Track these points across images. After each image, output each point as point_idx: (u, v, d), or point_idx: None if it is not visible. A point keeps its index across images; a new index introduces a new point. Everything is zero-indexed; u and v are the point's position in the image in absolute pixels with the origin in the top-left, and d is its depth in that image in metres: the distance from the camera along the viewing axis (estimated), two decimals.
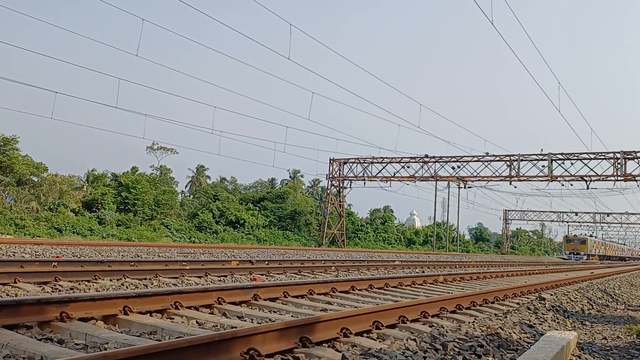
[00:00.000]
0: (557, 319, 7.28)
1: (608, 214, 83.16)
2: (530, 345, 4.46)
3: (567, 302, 9.22)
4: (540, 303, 8.42)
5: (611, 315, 8.65)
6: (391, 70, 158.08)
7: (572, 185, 43.68)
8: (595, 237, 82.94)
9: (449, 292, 9.57)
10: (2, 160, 35.57)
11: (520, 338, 5.12)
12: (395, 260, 22.54)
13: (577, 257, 69.85)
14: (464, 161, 44.38)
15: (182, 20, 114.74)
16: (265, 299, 6.80)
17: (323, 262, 17.11)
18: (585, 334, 6.39)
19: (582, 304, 9.46)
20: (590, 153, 39.48)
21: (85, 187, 47.24)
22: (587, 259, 68.51)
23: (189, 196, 64.04)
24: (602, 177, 39.89)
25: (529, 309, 7.58)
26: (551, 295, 9.98)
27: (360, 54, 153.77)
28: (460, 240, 79.18)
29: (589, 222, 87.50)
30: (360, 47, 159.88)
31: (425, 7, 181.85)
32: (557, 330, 5.91)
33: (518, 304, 8.64)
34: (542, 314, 7.30)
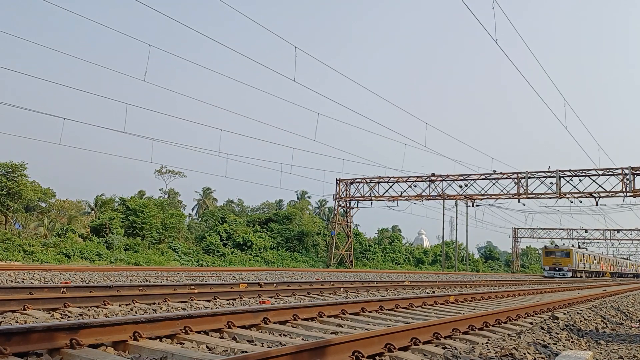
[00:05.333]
0: (572, 338, 7.17)
1: (618, 231, 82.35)
2: None
3: (581, 321, 9.08)
4: (553, 322, 8.29)
5: (626, 333, 8.50)
6: (396, 90, 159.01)
7: (581, 202, 43.43)
8: (585, 249, 69.12)
9: (460, 313, 9.46)
10: (10, 187, 35.81)
11: (535, 359, 5.04)
12: (404, 281, 22.35)
13: (559, 274, 57.29)
14: (471, 179, 44.27)
15: (188, 45, 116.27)
16: (275, 322, 6.74)
17: (332, 283, 16.99)
18: (601, 353, 6.27)
19: (596, 323, 9.31)
20: (599, 169, 39.28)
21: (93, 212, 47.43)
22: (571, 276, 56.34)
23: (197, 219, 64.13)
24: (611, 193, 39.63)
25: (542, 328, 7.47)
26: (564, 314, 9.84)
27: (365, 74, 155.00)
28: (469, 260, 78.56)
29: (599, 239, 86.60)
30: (365, 67, 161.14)
31: (428, 27, 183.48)
32: (572, 350, 5.81)
33: (531, 323, 8.52)
34: (556, 333, 7.18)
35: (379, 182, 47.77)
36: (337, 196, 50.01)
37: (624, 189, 38.87)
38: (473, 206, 48.86)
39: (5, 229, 36.40)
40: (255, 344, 5.41)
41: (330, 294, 13.12)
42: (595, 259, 68.67)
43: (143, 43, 28.26)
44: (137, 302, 8.49)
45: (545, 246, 63.44)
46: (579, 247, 68.14)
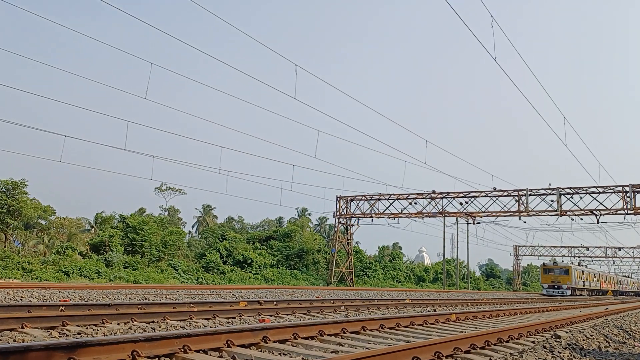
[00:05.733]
0: (574, 357, 7.10)
1: (620, 248, 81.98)
2: None
3: (583, 340, 9.00)
4: (555, 341, 8.23)
5: (629, 352, 8.42)
6: (396, 107, 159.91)
7: (582, 219, 43.32)
8: (585, 267, 67.40)
9: (462, 332, 9.38)
10: (10, 204, 35.79)
11: None
12: (405, 299, 22.21)
13: (558, 292, 55.27)
14: (471, 197, 44.23)
15: (189, 62, 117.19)
16: (274, 341, 6.68)
17: (332, 301, 16.88)
18: None
19: (599, 342, 9.22)
20: (599, 187, 39.26)
21: (93, 229, 47.35)
22: (570, 294, 54.56)
23: (197, 236, 64.00)
24: (612, 211, 39.55)
25: (544, 347, 7.40)
26: (566, 332, 9.76)
27: (365, 91, 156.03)
28: (470, 277, 78.13)
29: (600, 257, 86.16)
30: (365, 85, 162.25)
31: (429, 44, 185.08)
32: None
33: (533, 342, 8.45)
34: (559, 352, 7.12)
35: (379, 200, 47.73)
36: (338, 213, 49.93)
37: (624, 207, 38.82)
38: (474, 223, 48.77)
39: (5, 246, 36.30)
40: None
41: (330, 312, 13.03)
42: (595, 277, 67.01)
43: (144, 61, 28.43)
44: (135, 321, 8.43)
45: (543, 263, 61.45)
46: (579, 265, 66.54)
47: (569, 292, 55.16)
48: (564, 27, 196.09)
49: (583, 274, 61.60)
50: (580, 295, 56.96)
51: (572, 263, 64.88)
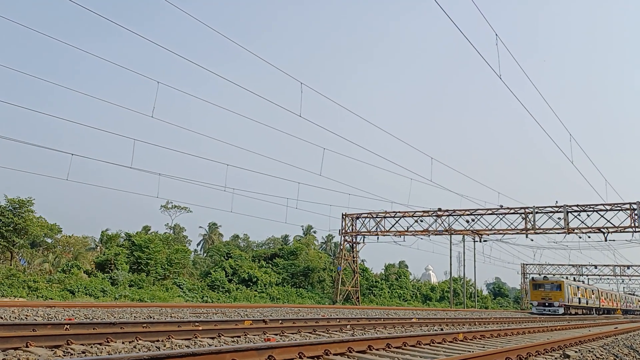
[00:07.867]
0: None
1: (628, 267, 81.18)
2: None
3: None
4: None
5: None
6: (402, 124, 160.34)
7: (589, 237, 42.96)
8: (582, 282, 62.20)
9: (469, 351, 9.27)
10: (17, 223, 35.89)
11: None
12: (412, 318, 22.00)
13: (549, 310, 49.79)
14: (478, 214, 44.03)
15: (195, 80, 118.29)
16: None
17: (338, 320, 16.75)
18: None
19: None
20: (606, 204, 39.00)
21: (98, 247, 47.36)
22: (563, 313, 49.33)
23: (202, 254, 63.87)
24: (619, 229, 39.24)
25: None
26: (576, 352, 9.62)
27: (371, 109, 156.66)
28: (478, 296, 77.39)
29: (609, 275, 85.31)
30: (371, 102, 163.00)
31: (435, 61, 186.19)
32: None
33: None
34: None
35: (385, 217, 47.58)
36: (343, 231, 49.78)
37: (632, 224, 38.51)
38: (480, 241, 48.44)
39: (11, 265, 36.33)
40: None
41: (336, 331, 12.92)
42: (593, 293, 61.60)
43: (151, 80, 28.67)
44: (140, 340, 8.39)
45: (532, 278, 55.55)
46: (574, 280, 62.56)
47: (561, 311, 49.99)
48: (574, 44, 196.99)
49: (578, 289, 56.35)
50: (575, 313, 52.89)
51: (567, 278, 60.47)
